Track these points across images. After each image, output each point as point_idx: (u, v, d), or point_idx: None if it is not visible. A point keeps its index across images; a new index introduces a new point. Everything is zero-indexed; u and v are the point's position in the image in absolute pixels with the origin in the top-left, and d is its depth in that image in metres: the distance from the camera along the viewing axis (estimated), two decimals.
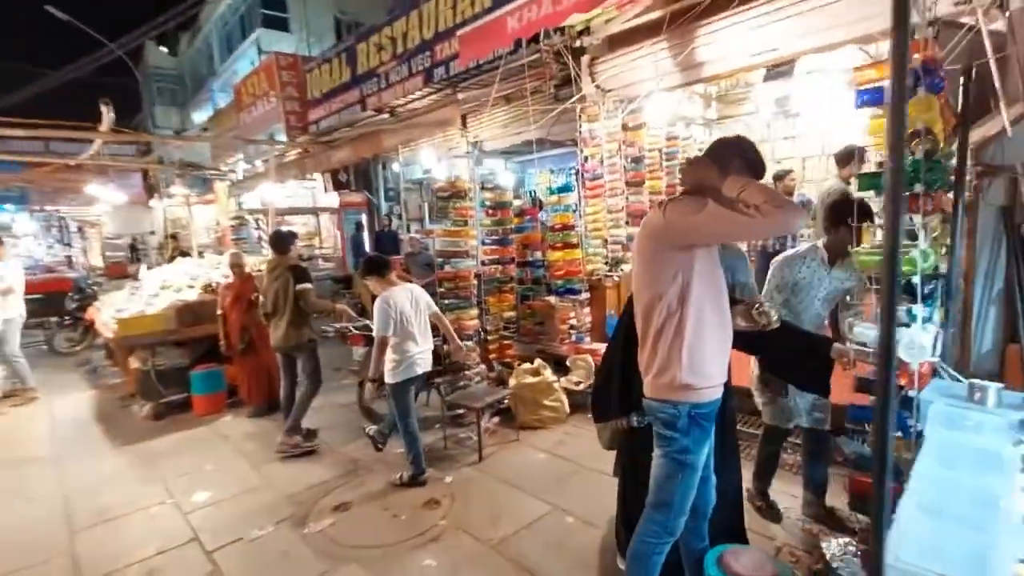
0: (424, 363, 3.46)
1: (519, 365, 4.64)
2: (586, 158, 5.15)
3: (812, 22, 4.22)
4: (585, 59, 5.57)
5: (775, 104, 6.38)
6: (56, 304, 8.36)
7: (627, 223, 5.58)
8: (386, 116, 6.84)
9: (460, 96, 4.91)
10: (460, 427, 4.32)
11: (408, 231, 11.96)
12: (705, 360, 1.76)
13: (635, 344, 2.20)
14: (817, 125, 6.44)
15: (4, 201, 16.31)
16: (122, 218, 14.24)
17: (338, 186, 11.41)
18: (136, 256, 14.20)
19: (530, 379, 4.30)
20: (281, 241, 4.18)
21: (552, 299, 4.91)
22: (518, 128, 7.90)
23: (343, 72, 9.56)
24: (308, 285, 4.06)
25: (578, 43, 5.55)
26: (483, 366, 4.60)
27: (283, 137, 10.07)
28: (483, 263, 4.64)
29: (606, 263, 5.35)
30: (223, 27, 21.18)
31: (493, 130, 8.59)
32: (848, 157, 4.51)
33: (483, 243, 4.66)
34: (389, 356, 3.30)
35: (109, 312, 5.65)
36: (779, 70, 4.78)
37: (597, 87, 5.50)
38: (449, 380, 4.29)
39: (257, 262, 7.14)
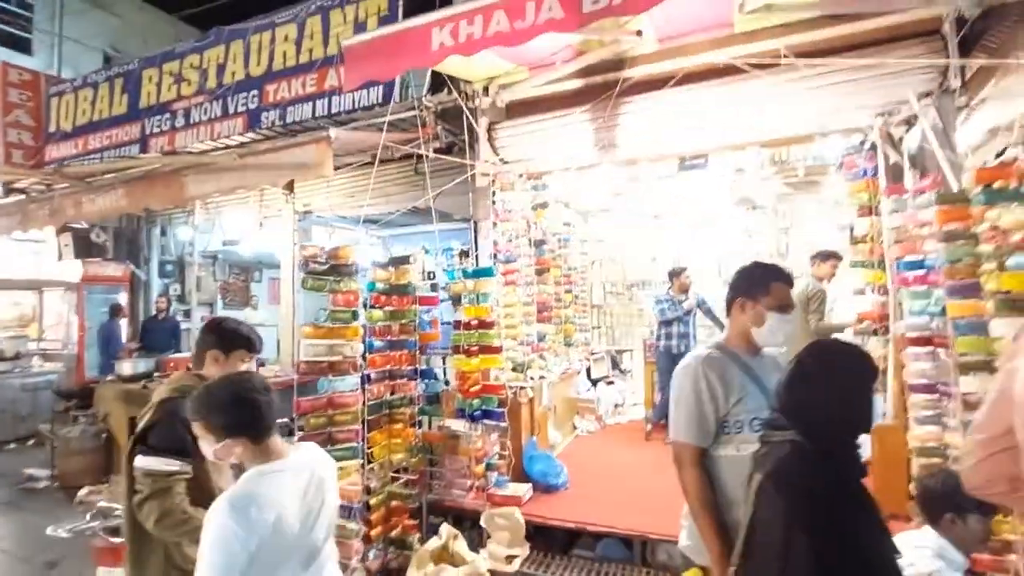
0: None
1: (419, 541, 2.91)
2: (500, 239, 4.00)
3: (741, 119, 4.01)
4: (484, 122, 4.63)
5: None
6: None
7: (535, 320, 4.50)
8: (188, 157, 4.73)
9: (332, 134, 3.40)
10: None
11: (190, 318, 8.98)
12: None
13: None
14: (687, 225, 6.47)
15: None
16: None
17: (85, 252, 8.10)
18: None
19: (449, 572, 2.62)
20: (219, 338, 1.98)
21: (460, 426, 3.38)
22: (369, 197, 6.55)
23: (117, 102, 7.13)
24: (167, 465, 1.75)
25: (476, 102, 4.62)
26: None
27: None
28: (368, 378, 2.90)
29: (515, 369, 4.09)
30: None
31: (337, 196, 7.04)
32: (828, 256, 4.51)
33: (370, 348, 2.96)
34: None
35: None
36: (694, 162, 4.50)
37: (501, 159, 4.55)
38: None
39: None
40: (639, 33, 3.27)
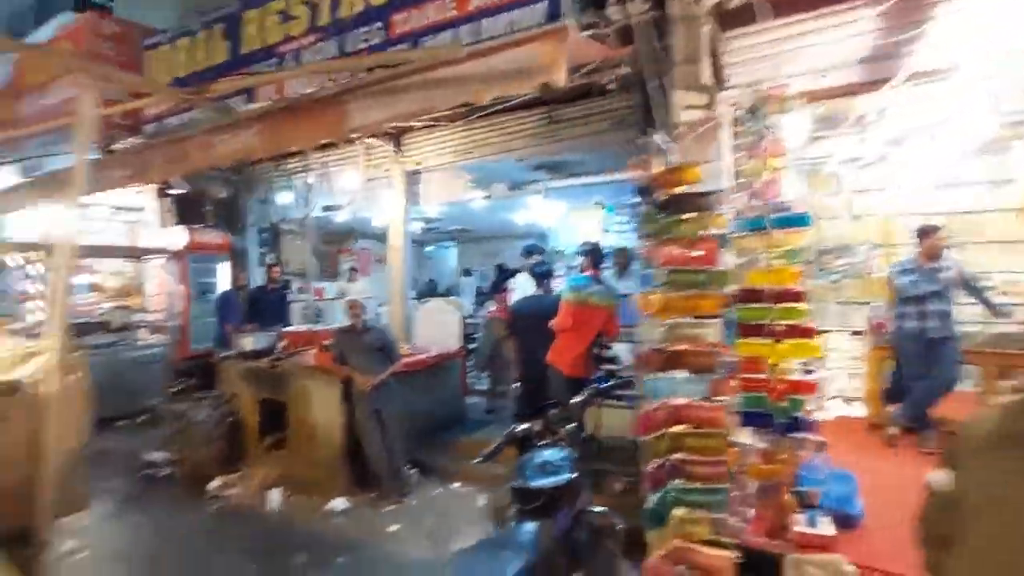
0: None
1: None
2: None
3: None
4: (705, 31, 3.52)
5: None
6: None
7: None
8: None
9: (570, 24, 2.42)
10: None
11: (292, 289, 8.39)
12: None
13: None
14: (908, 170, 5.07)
15: None
16: None
17: (188, 219, 7.60)
18: None
19: None
20: None
21: (748, 438, 2.40)
22: (492, 150, 5.67)
23: (216, 50, 6.43)
24: None
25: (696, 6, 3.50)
26: None
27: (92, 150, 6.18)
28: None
29: None
30: None
31: (449, 153, 6.23)
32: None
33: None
34: None
35: None
36: None
37: (724, 85, 3.43)
38: None
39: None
40: None
